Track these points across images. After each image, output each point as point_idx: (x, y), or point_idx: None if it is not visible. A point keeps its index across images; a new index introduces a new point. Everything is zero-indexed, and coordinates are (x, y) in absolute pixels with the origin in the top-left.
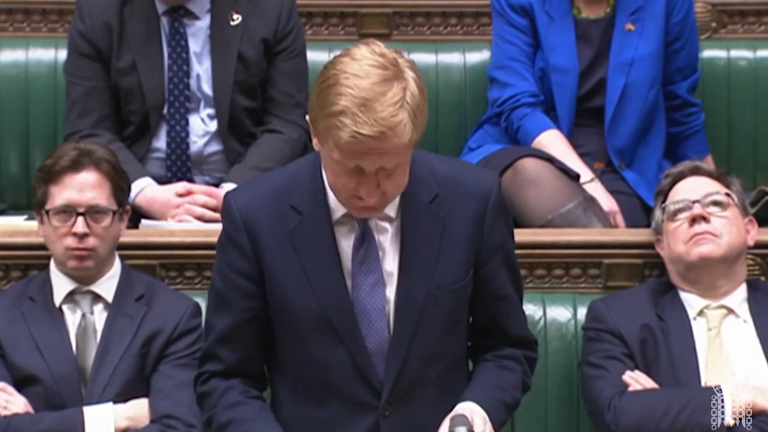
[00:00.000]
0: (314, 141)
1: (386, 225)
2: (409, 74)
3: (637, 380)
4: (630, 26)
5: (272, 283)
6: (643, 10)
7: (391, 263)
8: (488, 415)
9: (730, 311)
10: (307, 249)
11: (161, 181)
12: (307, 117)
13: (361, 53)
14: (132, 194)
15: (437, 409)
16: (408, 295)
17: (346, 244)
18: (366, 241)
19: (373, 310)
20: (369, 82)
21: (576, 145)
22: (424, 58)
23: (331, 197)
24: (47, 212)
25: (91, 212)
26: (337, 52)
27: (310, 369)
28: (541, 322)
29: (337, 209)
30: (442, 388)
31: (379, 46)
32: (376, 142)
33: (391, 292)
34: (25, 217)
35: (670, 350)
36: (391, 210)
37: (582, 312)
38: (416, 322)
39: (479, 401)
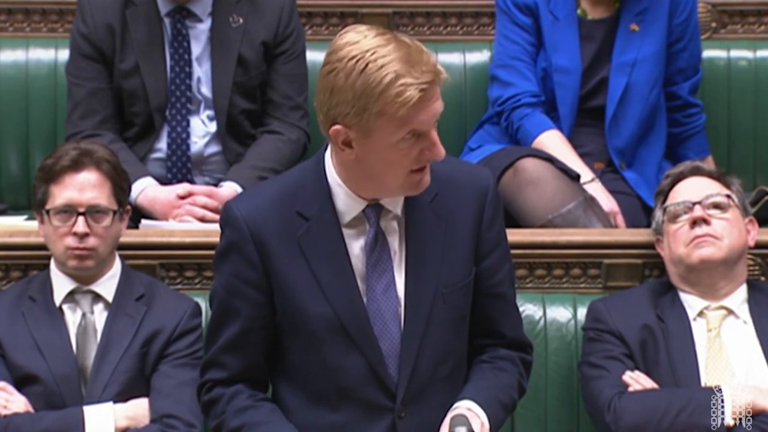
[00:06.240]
0: (344, 150)
1: (395, 225)
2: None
3: (637, 380)
4: (634, 27)
5: (282, 291)
6: (648, 11)
7: (399, 264)
8: (486, 414)
9: (730, 312)
10: (317, 254)
11: (161, 181)
12: (336, 127)
13: (354, 36)
14: (133, 194)
15: (448, 408)
16: (418, 295)
17: (357, 247)
18: (379, 243)
19: (387, 312)
20: (392, 47)
21: (576, 145)
22: None
23: (340, 201)
24: (47, 212)
25: (92, 212)
26: None
27: (323, 374)
28: (541, 322)
29: (346, 212)
30: (450, 385)
31: (357, 26)
32: (435, 86)
33: (401, 292)
34: (25, 217)
35: (670, 351)
36: (399, 210)
37: (582, 312)
38: (426, 321)
39: (478, 401)
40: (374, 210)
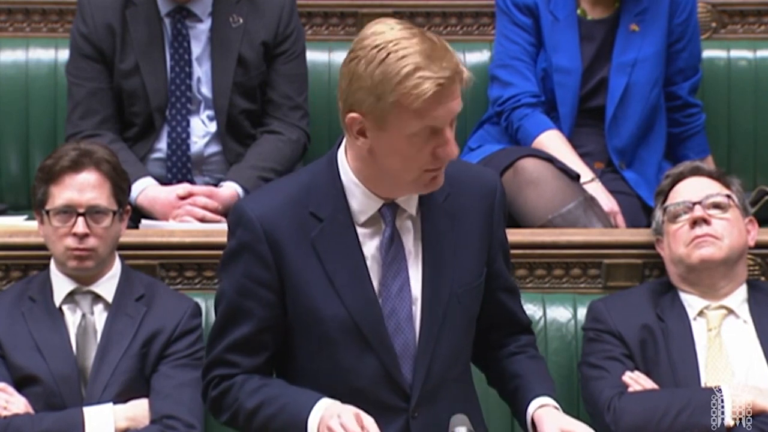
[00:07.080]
0: (358, 138)
1: (410, 225)
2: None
3: (637, 381)
4: (634, 27)
5: (295, 292)
6: (648, 11)
7: (414, 263)
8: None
9: (730, 311)
10: (331, 255)
11: (161, 181)
12: (353, 115)
13: (381, 28)
14: (133, 194)
15: (458, 407)
16: (433, 296)
17: (372, 246)
18: (395, 243)
19: (401, 312)
20: (416, 40)
21: (576, 145)
22: None
23: (355, 200)
24: (47, 212)
25: (92, 212)
26: (338, 53)
27: (336, 376)
28: (541, 322)
29: (362, 212)
30: (460, 385)
31: (386, 19)
32: (454, 84)
33: (416, 293)
34: (25, 217)
35: (669, 351)
36: (413, 209)
37: (582, 312)
38: (441, 322)
39: (553, 396)
40: (390, 209)
